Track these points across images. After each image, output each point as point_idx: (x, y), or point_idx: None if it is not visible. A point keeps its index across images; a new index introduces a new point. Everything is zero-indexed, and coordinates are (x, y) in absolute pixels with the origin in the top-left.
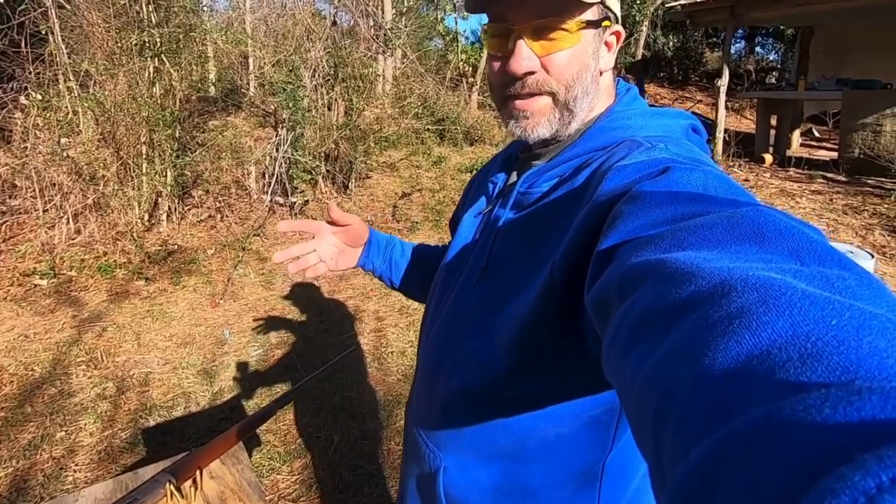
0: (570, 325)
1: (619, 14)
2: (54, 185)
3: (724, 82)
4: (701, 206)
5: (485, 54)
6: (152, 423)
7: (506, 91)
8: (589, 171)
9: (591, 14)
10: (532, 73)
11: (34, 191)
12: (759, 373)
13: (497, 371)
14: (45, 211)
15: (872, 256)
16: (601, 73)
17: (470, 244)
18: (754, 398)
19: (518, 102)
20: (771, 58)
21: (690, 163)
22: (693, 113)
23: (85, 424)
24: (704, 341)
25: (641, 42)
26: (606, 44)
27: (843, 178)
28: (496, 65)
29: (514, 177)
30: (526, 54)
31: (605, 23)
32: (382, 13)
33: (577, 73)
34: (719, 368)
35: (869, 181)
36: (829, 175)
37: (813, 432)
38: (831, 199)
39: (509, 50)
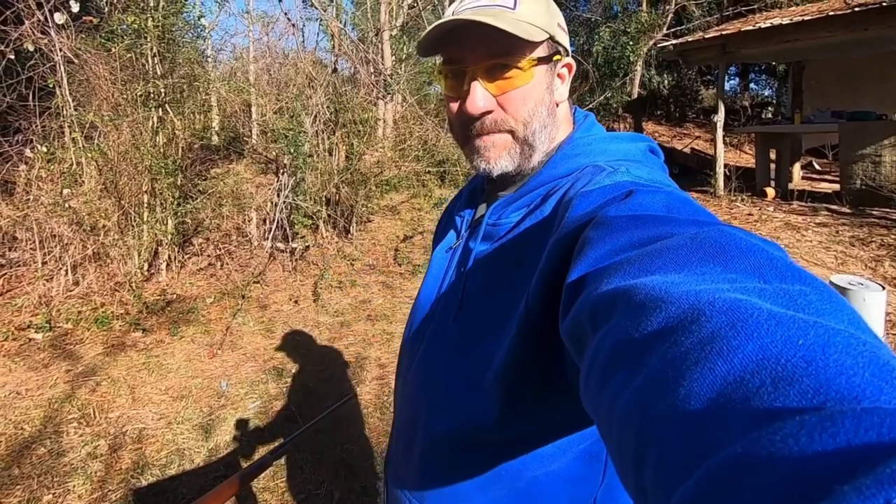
0: (552, 358)
1: (568, 47)
2: (54, 236)
3: (720, 118)
4: (665, 228)
5: None
6: (145, 482)
7: (466, 131)
8: (555, 198)
9: (542, 51)
10: (489, 112)
11: (34, 242)
12: (735, 401)
13: (480, 413)
14: (44, 263)
15: (884, 288)
16: (557, 105)
17: (442, 281)
18: (732, 430)
19: (479, 139)
20: (765, 93)
21: (653, 185)
22: (693, 149)
23: (74, 486)
24: (678, 371)
25: (637, 81)
26: (559, 76)
27: (848, 210)
28: (453, 105)
29: (481, 209)
30: (481, 95)
31: (556, 57)
32: (382, 60)
33: (532, 108)
34: (695, 399)
35: (874, 212)
36: (833, 207)
37: (791, 464)
38: (837, 232)
39: (465, 91)
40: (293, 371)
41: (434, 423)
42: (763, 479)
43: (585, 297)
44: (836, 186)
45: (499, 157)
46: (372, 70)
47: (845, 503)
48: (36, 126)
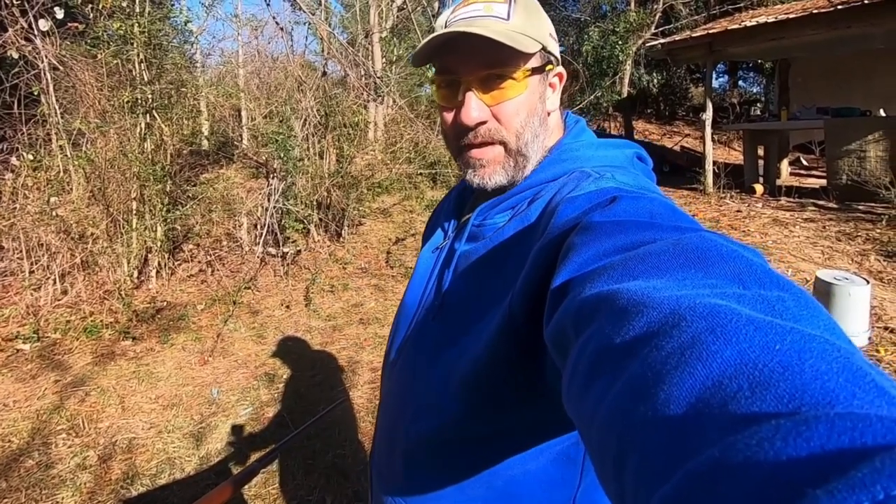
0: (532, 362)
1: (559, 56)
2: (42, 245)
3: (708, 116)
4: (648, 233)
5: None
6: (135, 493)
7: (460, 141)
8: (541, 202)
9: (535, 61)
10: (483, 122)
11: (21, 252)
12: (714, 406)
13: (460, 412)
14: (31, 272)
15: (868, 282)
16: (549, 114)
17: (428, 281)
18: (710, 434)
19: (474, 152)
20: (754, 90)
21: (637, 191)
22: (682, 147)
23: (63, 498)
24: (659, 375)
25: (626, 80)
26: (551, 85)
27: (834, 205)
28: (447, 116)
29: (468, 211)
30: (476, 105)
31: (549, 67)
32: (372, 63)
33: (525, 119)
34: (675, 404)
35: (859, 207)
36: (821, 202)
37: (767, 468)
38: (824, 227)
39: (459, 101)
40: (285, 377)
41: (417, 423)
42: (739, 483)
43: (569, 301)
44: (823, 182)
45: (493, 173)
46: (362, 73)
47: None
48: (22, 134)
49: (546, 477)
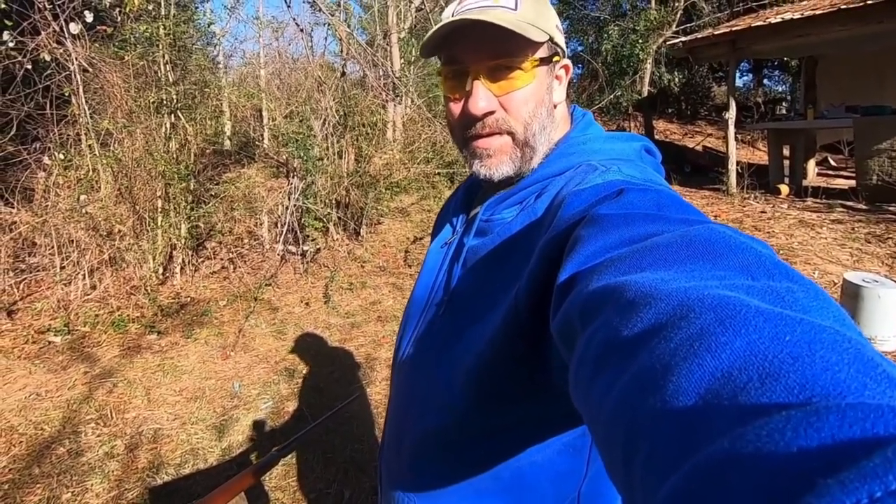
0: (537, 356)
1: (565, 48)
2: (72, 241)
3: (731, 115)
4: (656, 225)
5: None
6: (160, 481)
7: (466, 132)
8: (548, 196)
9: (543, 52)
10: (491, 112)
11: (53, 248)
12: (723, 397)
13: (466, 408)
14: (62, 268)
15: None
16: (555, 106)
17: (436, 276)
18: (719, 425)
19: (480, 142)
20: (779, 89)
21: (644, 184)
22: (705, 147)
23: (92, 485)
24: (668, 366)
25: (647, 79)
26: (557, 77)
27: (864, 206)
28: (454, 107)
29: (477, 205)
30: (484, 95)
31: (556, 58)
32: (391, 63)
33: (533, 110)
34: (684, 395)
35: (891, 208)
36: (849, 204)
37: (777, 459)
38: (853, 228)
39: (467, 91)
40: (304, 372)
41: (424, 420)
42: (749, 473)
43: (576, 294)
44: (852, 182)
45: (500, 163)
46: (381, 73)
47: (829, 497)
48: (53, 134)
49: (552, 468)
